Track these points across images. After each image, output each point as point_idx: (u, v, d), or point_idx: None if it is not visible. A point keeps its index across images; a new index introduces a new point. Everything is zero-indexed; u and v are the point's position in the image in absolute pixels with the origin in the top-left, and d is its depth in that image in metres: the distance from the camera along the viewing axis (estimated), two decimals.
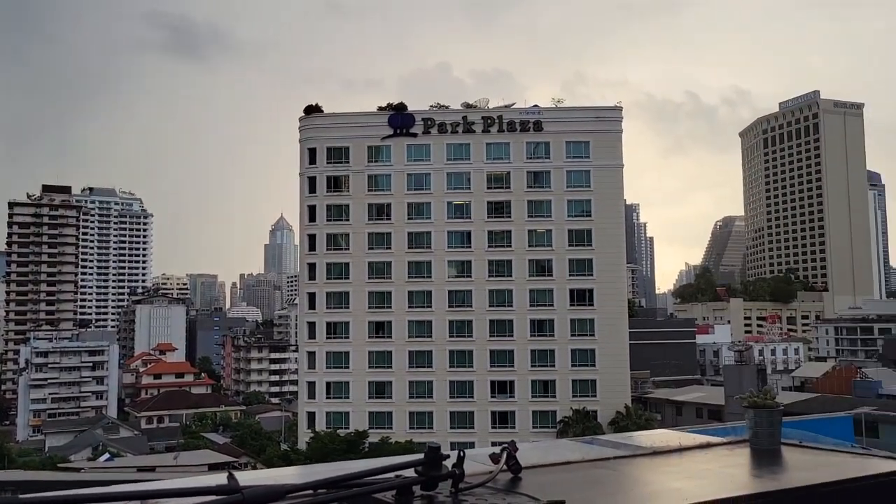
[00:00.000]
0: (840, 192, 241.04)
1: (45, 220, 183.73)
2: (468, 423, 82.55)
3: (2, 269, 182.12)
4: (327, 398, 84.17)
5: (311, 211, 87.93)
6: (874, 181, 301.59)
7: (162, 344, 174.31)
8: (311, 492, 3.59)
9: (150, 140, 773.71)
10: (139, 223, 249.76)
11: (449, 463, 3.88)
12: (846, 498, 4.11)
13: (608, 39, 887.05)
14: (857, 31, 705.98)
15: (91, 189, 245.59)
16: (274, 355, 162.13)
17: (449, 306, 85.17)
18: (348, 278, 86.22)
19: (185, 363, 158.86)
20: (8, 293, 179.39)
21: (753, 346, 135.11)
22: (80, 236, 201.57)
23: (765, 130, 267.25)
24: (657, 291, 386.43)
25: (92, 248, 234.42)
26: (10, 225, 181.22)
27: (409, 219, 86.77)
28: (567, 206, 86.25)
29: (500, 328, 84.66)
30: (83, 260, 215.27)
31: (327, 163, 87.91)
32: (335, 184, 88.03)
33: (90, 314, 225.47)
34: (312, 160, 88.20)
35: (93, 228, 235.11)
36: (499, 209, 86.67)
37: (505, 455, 4.26)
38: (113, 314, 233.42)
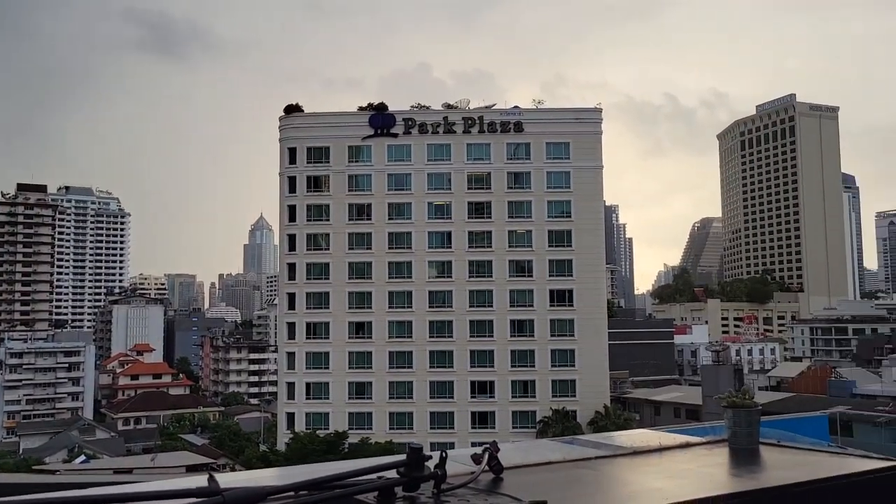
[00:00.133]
0: (815, 195, 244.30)
1: (20, 219, 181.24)
2: (448, 424, 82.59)
3: None
4: (307, 399, 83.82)
5: (291, 211, 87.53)
6: (848, 184, 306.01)
7: (139, 345, 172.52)
8: (292, 493, 3.56)
9: (129, 139, 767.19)
10: (116, 222, 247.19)
11: (431, 464, 3.88)
12: (824, 497, 4.16)
13: (588, 41, 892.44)
14: (833, 36, 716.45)
15: (67, 188, 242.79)
16: (253, 356, 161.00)
17: (429, 307, 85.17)
18: (328, 278, 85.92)
19: (163, 364, 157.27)
20: None
21: (730, 347, 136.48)
22: (56, 235, 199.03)
23: (742, 133, 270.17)
24: (636, 292, 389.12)
25: (68, 247, 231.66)
26: None
27: (389, 219, 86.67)
28: (547, 206, 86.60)
29: (481, 328, 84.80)
30: (59, 259, 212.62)
31: (307, 162, 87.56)
32: (315, 184, 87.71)
33: (66, 314, 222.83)
34: (292, 160, 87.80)
35: (69, 228, 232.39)
36: (479, 210, 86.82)
37: (487, 456, 4.26)
38: (89, 314, 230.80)
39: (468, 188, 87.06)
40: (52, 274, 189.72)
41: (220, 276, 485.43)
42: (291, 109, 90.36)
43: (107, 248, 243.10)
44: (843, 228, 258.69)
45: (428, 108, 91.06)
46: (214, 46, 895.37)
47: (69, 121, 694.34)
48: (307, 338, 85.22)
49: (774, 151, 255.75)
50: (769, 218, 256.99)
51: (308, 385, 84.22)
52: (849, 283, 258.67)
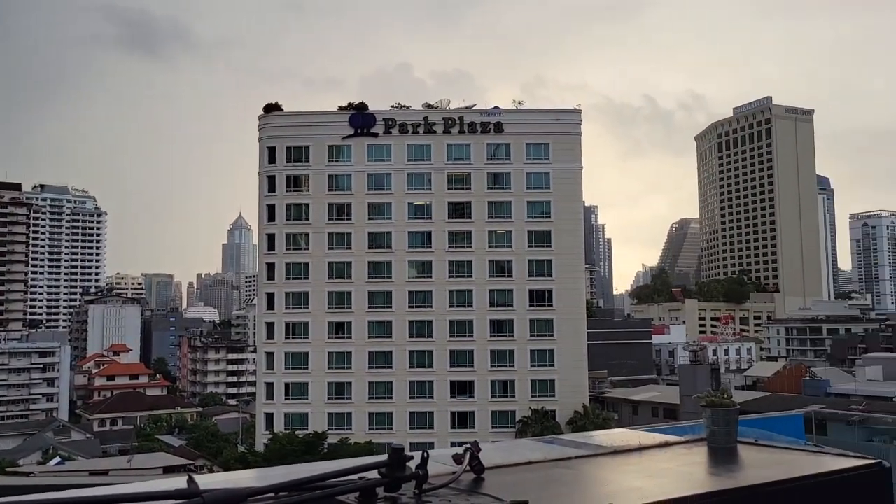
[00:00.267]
0: (791, 196, 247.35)
1: None
2: (428, 424, 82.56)
3: None
4: (286, 399, 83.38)
5: (271, 210, 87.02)
6: (823, 185, 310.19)
7: (115, 345, 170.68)
8: (272, 494, 3.54)
9: (108, 138, 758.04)
10: (92, 221, 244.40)
11: (413, 464, 3.87)
12: (802, 495, 4.21)
13: (568, 43, 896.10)
14: (808, 40, 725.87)
15: (42, 186, 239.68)
16: (231, 356, 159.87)
17: (409, 307, 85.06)
18: (308, 278, 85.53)
19: (140, 364, 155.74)
20: None
21: (707, 346, 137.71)
22: (31, 234, 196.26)
23: (719, 135, 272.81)
24: (615, 292, 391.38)
25: (43, 246, 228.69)
26: None
27: (369, 219, 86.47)
28: (527, 207, 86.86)
29: (461, 328, 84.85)
30: (33, 259, 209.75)
31: (287, 162, 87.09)
32: (295, 183, 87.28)
33: (41, 314, 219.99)
34: (272, 159, 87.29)
35: (44, 226, 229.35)
36: (459, 210, 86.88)
37: (468, 456, 4.27)
38: (64, 314, 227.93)
39: (448, 188, 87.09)
40: (26, 273, 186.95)
41: (199, 275, 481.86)
42: (271, 108, 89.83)
43: (83, 248, 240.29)
44: (817, 230, 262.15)
45: (408, 108, 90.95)
46: (195, 45, 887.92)
47: (46, 119, 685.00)
48: (286, 338, 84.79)
49: (751, 153, 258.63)
50: (746, 219, 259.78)
51: (287, 385, 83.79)
52: (823, 283, 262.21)
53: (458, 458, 4.29)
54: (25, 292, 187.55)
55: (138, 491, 3.65)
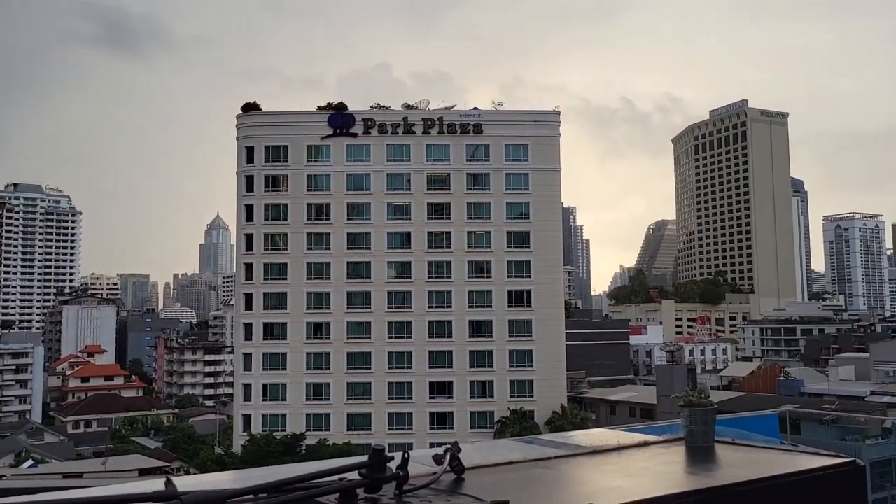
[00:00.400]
0: (766, 198, 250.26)
1: None
2: (406, 425, 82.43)
3: None
4: (263, 400, 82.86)
5: (249, 210, 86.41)
6: (797, 188, 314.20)
7: (90, 346, 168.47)
8: (252, 496, 3.52)
9: (83, 137, 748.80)
10: (67, 221, 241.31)
11: (393, 465, 3.86)
12: (778, 493, 4.26)
13: (547, 44, 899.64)
14: (784, 45, 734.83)
15: (16, 185, 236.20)
16: (208, 357, 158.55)
17: (388, 307, 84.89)
18: (286, 279, 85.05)
19: (115, 366, 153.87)
20: None
21: (684, 347, 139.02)
22: (3, 234, 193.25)
23: (696, 137, 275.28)
24: (593, 293, 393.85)
25: (16, 246, 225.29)
26: None
27: (348, 219, 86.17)
28: (506, 208, 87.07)
29: (440, 329, 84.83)
30: (6, 258, 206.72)
31: (265, 162, 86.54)
32: (273, 183, 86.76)
33: (13, 315, 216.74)
34: (250, 159, 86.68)
35: (17, 226, 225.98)
36: (439, 210, 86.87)
37: (448, 456, 4.27)
38: (38, 315, 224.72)
39: (427, 189, 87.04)
40: None
41: (175, 276, 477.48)
42: (249, 108, 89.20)
43: (57, 247, 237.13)
44: (792, 232, 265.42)
45: (387, 108, 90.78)
46: (173, 44, 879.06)
47: (21, 118, 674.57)
48: (264, 339, 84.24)
49: (727, 156, 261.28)
50: (722, 220, 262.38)
51: (265, 386, 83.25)
52: (797, 284, 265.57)
53: (438, 459, 4.29)
54: None
55: (115, 494, 3.61)
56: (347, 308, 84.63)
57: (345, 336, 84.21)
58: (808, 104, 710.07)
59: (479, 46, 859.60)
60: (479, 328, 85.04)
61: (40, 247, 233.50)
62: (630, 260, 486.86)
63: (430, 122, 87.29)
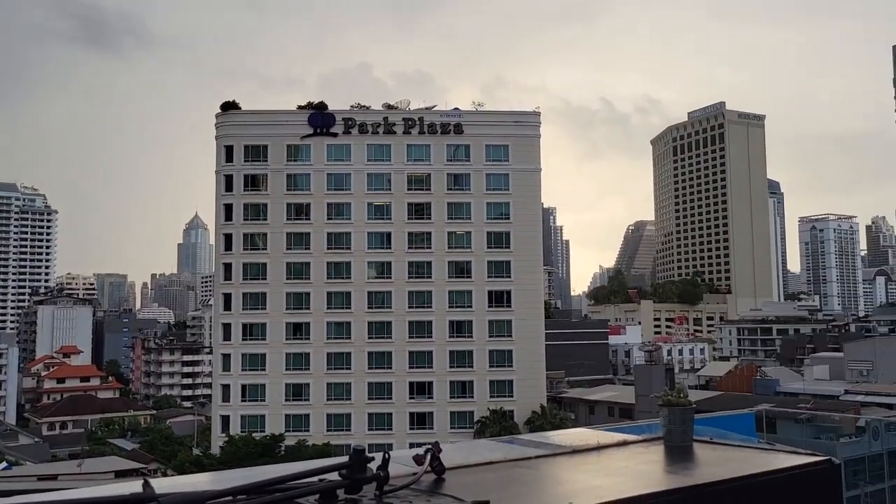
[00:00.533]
0: (743, 200, 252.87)
1: None
2: (386, 425, 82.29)
3: None
4: (242, 401, 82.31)
5: (228, 210, 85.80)
6: (774, 189, 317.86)
7: (66, 347, 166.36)
8: (230, 498, 3.49)
9: (59, 135, 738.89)
10: (42, 220, 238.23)
11: (374, 465, 3.85)
12: (756, 491, 4.31)
13: (527, 45, 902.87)
14: (761, 46, 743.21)
15: None
16: (187, 358, 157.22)
17: (368, 308, 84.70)
18: (265, 279, 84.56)
19: (91, 366, 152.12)
20: None
21: (662, 347, 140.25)
22: None
23: (674, 138, 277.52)
24: (572, 293, 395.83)
25: None
26: None
27: (328, 219, 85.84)
28: (486, 208, 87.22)
29: (420, 329, 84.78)
30: None
31: (245, 161, 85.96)
32: (253, 182, 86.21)
33: None
34: (229, 158, 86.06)
35: None
36: (419, 211, 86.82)
37: (429, 456, 4.26)
38: (12, 315, 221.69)
39: (408, 189, 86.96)
40: None
41: (153, 275, 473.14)
42: (228, 106, 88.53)
43: (32, 247, 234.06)
44: (768, 233, 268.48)
45: (368, 108, 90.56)
46: (151, 42, 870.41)
47: None
48: (243, 339, 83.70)
49: (705, 157, 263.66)
50: (699, 221, 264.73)
51: (244, 387, 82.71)
52: (773, 285, 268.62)
53: (419, 459, 4.29)
54: None
55: (90, 496, 3.56)
56: (327, 308, 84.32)
57: (325, 336, 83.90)
58: (784, 106, 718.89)
59: (460, 47, 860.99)
60: (460, 328, 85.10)
61: (15, 246, 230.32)
62: (609, 260, 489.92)
63: (410, 123, 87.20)
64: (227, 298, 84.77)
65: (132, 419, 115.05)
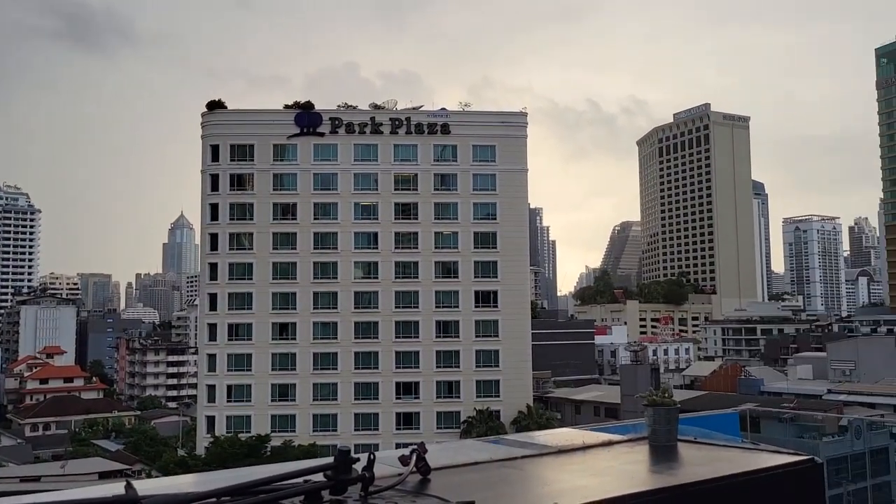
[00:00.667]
0: (728, 201, 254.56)
1: None
2: (373, 425, 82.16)
3: None
4: (228, 402, 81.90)
5: (214, 209, 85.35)
6: (758, 190, 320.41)
7: (49, 347, 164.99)
8: (215, 499, 3.47)
9: (43, 134, 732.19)
10: (25, 219, 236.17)
11: (359, 466, 3.84)
12: (740, 490, 4.33)
13: (514, 45, 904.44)
14: (746, 49, 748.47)
15: None
16: (172, 358, 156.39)
17: (355, 308, 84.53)
18: (251, 279, 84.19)
19: (75, 367, 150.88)
20: None
21: (648, 347, 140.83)
22: None
23: (660, 140, 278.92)
24: (559, 293, 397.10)
25: None
26: None
27: (315, 219, 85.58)
28: (473, 208, 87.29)
29: (406, 329, 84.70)
30: None
31: (231, 160, 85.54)
32: (239, 182, 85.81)
33: None
34: (215, 157, 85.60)
35: None
36: (406, 211, 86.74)
37: (414, 457, 4.25)
38: None
39: (395, 189, 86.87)
40: None
41: (138, 275, 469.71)
42: (214, 106, 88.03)
43: (14, 246, 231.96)
44: (752, 233, 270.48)
45: (355, 107, 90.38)
46: (136, 41, 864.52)
47: None
48: (229, 339, 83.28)
49: (690, 158, 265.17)
50: (685, 222, 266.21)
51: (229, 387, 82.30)
52: (758, 285, 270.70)
53: (404, 460, 4.28)
54: None
55: (73, 498, 3.53)
56: (314, 308, 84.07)
57: (311, 336, 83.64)
58: (769, 108, 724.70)
59: (447, 47, 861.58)
60: (446, 328, 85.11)
61: None
62: (595, 261, 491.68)
63: (397, 123, 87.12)
64: (213, 298, 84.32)
65: (116, 420, 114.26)
